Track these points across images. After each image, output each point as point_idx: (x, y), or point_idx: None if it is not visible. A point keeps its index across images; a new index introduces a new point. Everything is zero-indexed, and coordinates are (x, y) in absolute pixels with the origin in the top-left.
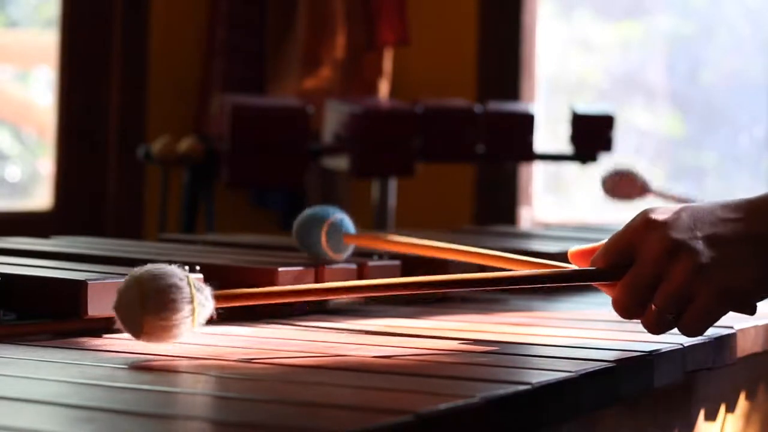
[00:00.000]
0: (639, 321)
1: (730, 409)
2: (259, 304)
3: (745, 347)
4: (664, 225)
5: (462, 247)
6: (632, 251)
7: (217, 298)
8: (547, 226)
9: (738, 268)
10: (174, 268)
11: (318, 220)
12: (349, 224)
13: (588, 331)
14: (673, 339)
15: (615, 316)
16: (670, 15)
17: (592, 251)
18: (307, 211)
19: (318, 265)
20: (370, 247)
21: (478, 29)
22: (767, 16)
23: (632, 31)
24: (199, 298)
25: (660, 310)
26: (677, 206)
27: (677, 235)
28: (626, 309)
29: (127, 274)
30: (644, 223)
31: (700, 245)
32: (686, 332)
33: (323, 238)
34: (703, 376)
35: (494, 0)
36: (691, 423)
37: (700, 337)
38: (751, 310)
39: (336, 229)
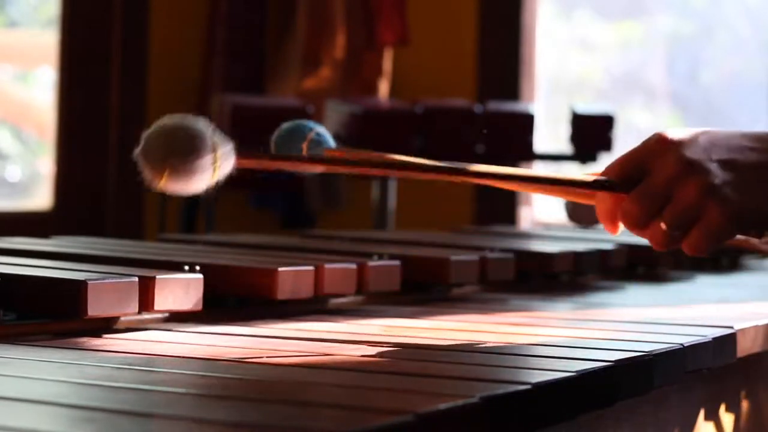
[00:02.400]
0: (645, 237)
1: (730, 409)
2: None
3: (745, 347)
4: (680, 143)
5: (441, 163)
6: (646, 166)
7: (240, 155)
8: (547, 226)
9: (751, 192)
10: (200, 121)
11: (298, 135)
12: (328, 138)
13: (588, 331)
14: (673, 339)
15: (615, 316)
16: (670, 15)
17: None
18: (285, 126)
19: (317, 266)
20: (351, 159)
21: (478, 29)
22: (767, 16)
23: (632, 31)
24: (222, 149)
25: (668, 226)
26: (698, 129)
27: (692, 154)
28: (634, 220)
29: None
30: (660, 140)
31: (714, 167)
32: (691, 250)
33: (305, 153)
34: (703, 376)
35: (494, 0)
36: (691, 423)
37: (700, 338)
38: (758, 233)
39: (317, 144)
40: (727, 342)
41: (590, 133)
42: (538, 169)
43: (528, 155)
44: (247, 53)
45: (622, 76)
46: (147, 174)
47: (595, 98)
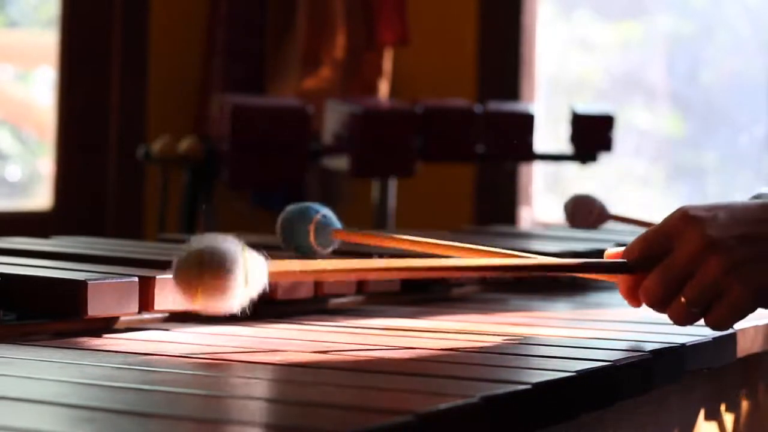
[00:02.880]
0: (666, 313)
1: (730, 409)
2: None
3: (745, 347)
4: (701, 221)
5: (452, 243)
6: (668, 244)
7: (272, 271)
8: (547, 226)
9: None
10: (229, 240)
11: (304, 218)
12: (334, 220)
13: (588, 331)
14: (673, 339)
15: (615, 316)
16: (670, 15)
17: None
18: (290, 209)
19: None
20: (358, 243)
21: (478, 29)
22: (767, 16)
23: (632, 31)
24: (252, 265)
25: (689, 303)
26: (717, 204)
27: (713, 232)
28: (656, 298)
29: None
30: (682, 218)
31: (734, 243)
32: (713, 326)
33: (311, 236)
34: (703, 376)
35: (494, 0)
36: (691, 423)
37: (700, 337)
38: None
39: (323, 226)
40: (727, 342)
41: (590, 133)
42: (557, 258)
43: (528, 155)
44: (247, 53)
45: (622, 76)
46: (181, 294)
47: (595, 98)
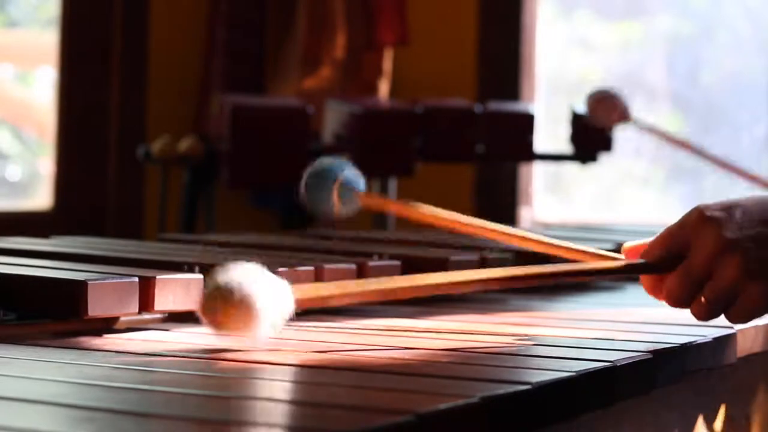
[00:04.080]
0: (688, 310)
1: (730, 409)
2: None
3: (745, 347)
4: (717, 222)
5: (474, 221)
6: (686, 245)
7: (297, 299)
8: (547, 226)
9: None
10: (254, 271)
11: (328, 177)
12: (359, 181)
13: (588, 331)
14: (673, 339)
15: (615, 316)
16: (670, 15)
17: (645, 246)
18: (315, 166)
19: (317, 266)
20: (380, 208)
21: (478, 29)
22: (767, 16)
23: (632, 31)
24: (279, 297)
25: (709, 303)
26: (731, 202)
27: (730, 233)
28: (677, 299)
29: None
30: (699, 218)
31: (751, 244)
32: (734, 322)
33: (335, 196)
34: (703, 376)
35: (494, 0)
36: (691, 423)
37: (700, 338)
38: None
39: (346, 187)
40: (727, 342)
41: (590, 133)
42: (561, 251)
43: (528, 155)
44: (247, 53)
45: (622, 76)
46: (208, 326)
47: None
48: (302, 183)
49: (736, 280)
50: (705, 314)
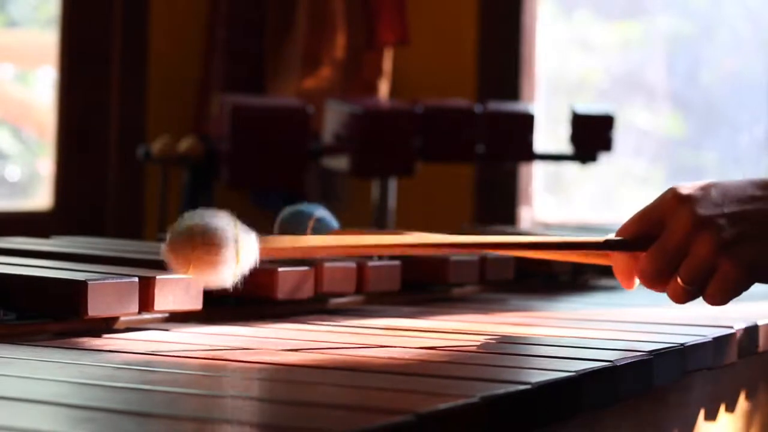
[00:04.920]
0: (664, 292)
1: (730, 409)
2: (303, 256)
3: (745, 347)
4: (692, 200)
5: (456, 239)
6: (660, 223)
7: (263, 247)
8: (547, 226)
9: (763, 243)
10: (221, 215)
11: (300, 220)
12: (331, 221)
13: (588, 331)
14: (673, 339)
15: (615, 316)
16: (670, 15)
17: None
18: (287, 212)
19: (317, 266)
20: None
21: (478, 29)
22: (767, 16)
23: (632, 31)
24: (244, 240)
25: (684, 282)
26: (707, 182)
27: (704, 211)
28: (651, 278)
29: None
30: (673, 197)
31: (725, 221)
32: (711, 302)
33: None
34: (703, 376)
35: (494, 0)
36: (691, 423)
37: (700, 337)
38: None
39: (319, 230)
40: (727, 342)
41: (590, 133)
42: (548, 235)
43: (528, 155)
44: (247, 53)
45: (622, 76)
46: (172, 265)
47: (595, 98)
48: (276, 225)
49: (710, 257)
50: (681, 295)
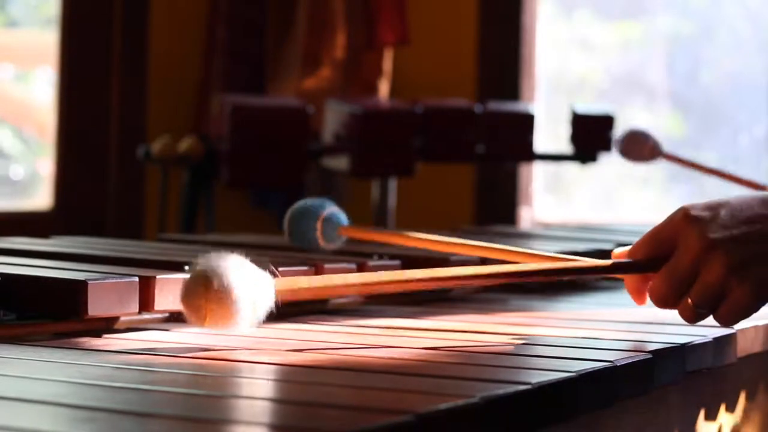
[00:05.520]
0: (674, 311)
1: (730, 409)
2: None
3: (745, 347)
4: (702, 222)
5: (458, 240)
6: (670, 245)
7: (280, 290)
8: (547, 226)
9: None
10: (235, 261)
11: (311, 215)
12: (341, 216)
13: (588, 331)
14: (673, 339)
15: (615, 316)
16: (670, 15)
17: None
18: (297, 206)
19: (317, 265)
20: (363, 239)
21: (478, 29)
22: (767, 16)
23: (632, 31)
24: (259, 289)
25: (694, 303)
26: (717, 202)
27: (714, 234)
28: (663, 299)
29: (125, 274)
30: (684, 218)
31: (735, 244)
32: (722, 323)
33: (318, 231)
34: (703, 376)
35: (494, 0)
36: (691, 423)
37: (700, 337)
38: None
39: (329, 224)
40: (727, 342)
41: (590, 133)
42: (556, 258)
43: (528, 155)
44: (247, 53)
45: (622, 76)
46: (189, 318)
47: (595, 98)
48: (286, 221)
49: (721, 280)
50: (692, 316)
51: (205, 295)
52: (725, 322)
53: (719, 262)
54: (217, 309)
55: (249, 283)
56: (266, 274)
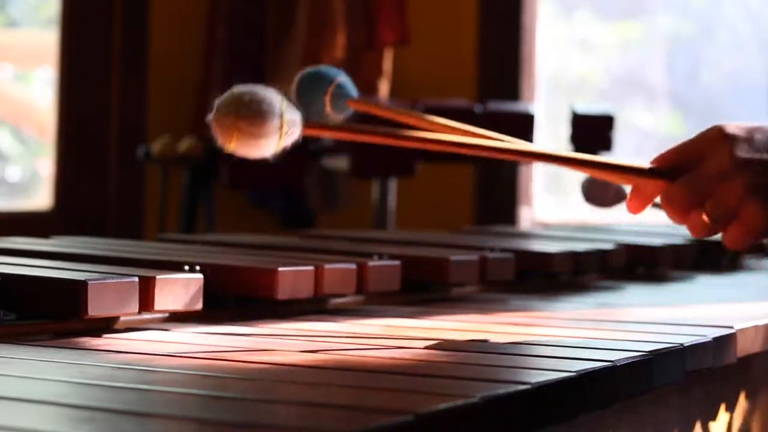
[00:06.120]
0: (684, 224)
1: (730, 409)
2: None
3: (745, 347)
4: (735, 139)
5: (475, 129)
6: (699, 157)
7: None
8: (547, 226)
9: None
10: (270, 90)
11: (320, 84)
12: (351, 88)
13: (588, 331)
14: (673, 339)
15: (615, 316)
16: (670, 15)
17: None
18: (306, 73)
19: (317, 266)
20: (372, 113)
21: (478, 29)
22: (767, 16)
23: (632, 31)
24: (289, 116)
25: (708, 217)
26: (753, 125)
27: (743, 153)
28: (677, 207)
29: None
30: (717, 134)
31: (762, 167)
32: (729, 243)
33: (327, 101)
34: (703, 376)
35: (494, 0)
36: (691, 423)
37: (700, 337)
38: None
39: (339, 94)
40: (727, 342)
41: (590, 133)
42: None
43: None
44: (247, 53)
45: (622, 76)
46: (218, 137)
47: (595, 98)
48: (295, 85)
49: (738, 198)
50: (701, 229)
51: (236, 116)
52: (733, 241)
53: (742, 180)
54: (247, 127)
55: (279, 108)
56: (296, 111)
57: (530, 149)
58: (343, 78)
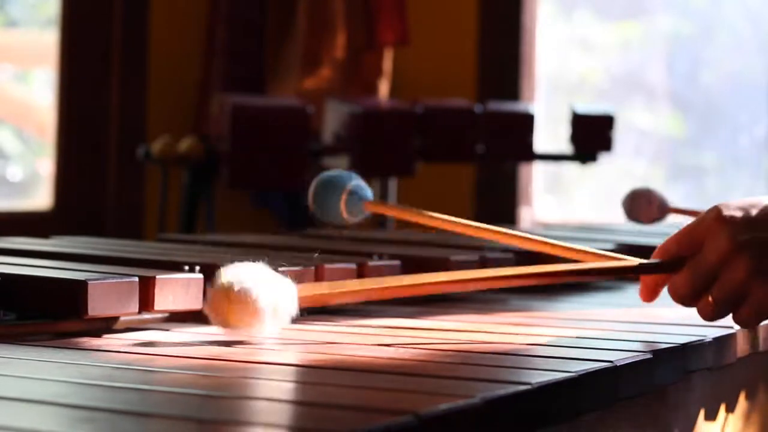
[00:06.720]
0: (693, 308)
1: (730, 409)
2: (344, 301)
3: (745, 347)
4: (732, 223)
5: (486, 226)
6: (700, 243)
7: (302, 297)
8: (547, 226)
9: None
10: (260, 271)
11: (336, 188)
12: (367, 190)
13: (588, 331)
14: (673, 339)
15: (615, 316)
16: (670, 15)
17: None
18: (322, 178)
19: (317, 266)
20: (389, 215)
21: (478, 29)
22: (767, 16)
23: (632, 31)
24: (281, 294)
25: (716, 302)
26: (750, 202)
27: (743, 236)
28: (683, 295)
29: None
30: (715, 217)
31: (763, 248)
32: (741, 325)
33: (342, 205)
34: (703, 376)
35: (494, 0)
36: (691, 423)
37: (700, 338)
38: None
39: (354, 197)
40: (727, 342)
41: (590, 133)
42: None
43: (528, 155)
44: (247, 53)
45: (622, 76)
46: (213, 322)
47: (595, 98)
48: (310, 192)
49: (744, 281)
50: (711, 314)
51: (229, 304)
52: (744, 323)
53: (745, 263)
54: (242, 316)
55: (270, 288)
56: (288, 281)
57: (540, 271)
58: (356, 182)
